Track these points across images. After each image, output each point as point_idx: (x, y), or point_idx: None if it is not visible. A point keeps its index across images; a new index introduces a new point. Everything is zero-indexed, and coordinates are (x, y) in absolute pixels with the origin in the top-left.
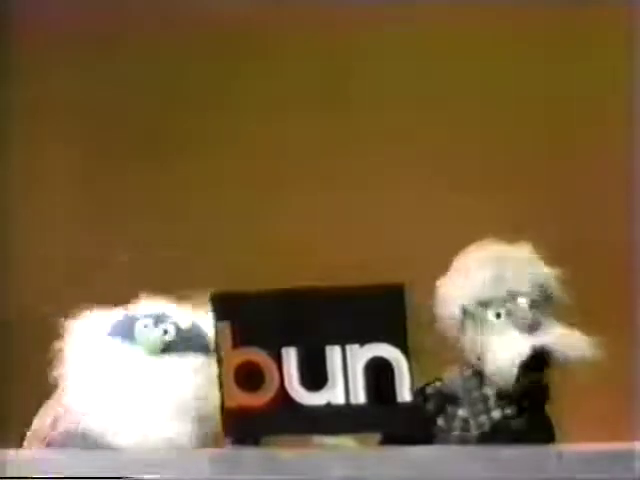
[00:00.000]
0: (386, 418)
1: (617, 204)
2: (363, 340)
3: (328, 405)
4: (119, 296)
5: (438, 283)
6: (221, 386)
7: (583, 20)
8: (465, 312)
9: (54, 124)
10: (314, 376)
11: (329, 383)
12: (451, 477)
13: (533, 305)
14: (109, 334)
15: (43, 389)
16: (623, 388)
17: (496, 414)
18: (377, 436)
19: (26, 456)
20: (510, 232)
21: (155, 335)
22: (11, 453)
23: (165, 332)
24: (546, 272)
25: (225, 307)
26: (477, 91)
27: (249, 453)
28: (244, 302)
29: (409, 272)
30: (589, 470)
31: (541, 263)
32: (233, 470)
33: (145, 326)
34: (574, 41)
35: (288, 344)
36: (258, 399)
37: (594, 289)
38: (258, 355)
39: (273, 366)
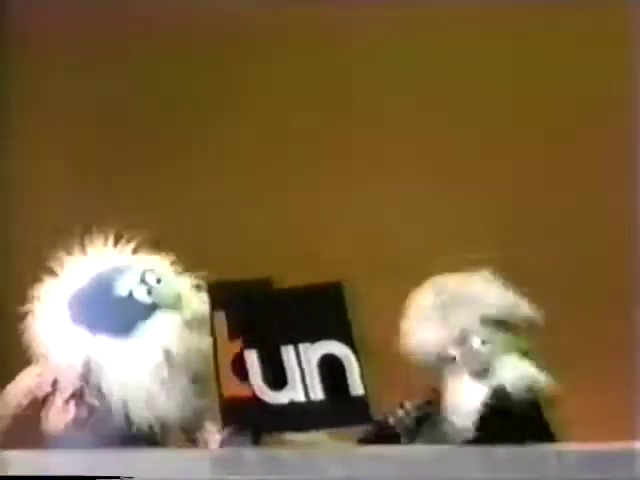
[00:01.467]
0: (343, 412)
1: (616, 207)
2: (313, 338)
3: (292, 403)
4: None
5: (404, 330)
6: (218, 376)
7: (583, 20)
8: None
9: (54, 124)
10: (275, 375)
11: (289, 382)
12: (450, 477)
13: (486, 342)
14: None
15: None
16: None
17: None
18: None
19: (26, 456)
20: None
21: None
22: (11, 453)
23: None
24: (508, 298)
25: (221, 297)
26: (477, 91)
27: (249, 453)
28: (234, 293)
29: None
30: (589, 470)
31: (502, 289)
32: (233, 470)
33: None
34: (574, 41)
35: (249, 346)
36: (249, 390)
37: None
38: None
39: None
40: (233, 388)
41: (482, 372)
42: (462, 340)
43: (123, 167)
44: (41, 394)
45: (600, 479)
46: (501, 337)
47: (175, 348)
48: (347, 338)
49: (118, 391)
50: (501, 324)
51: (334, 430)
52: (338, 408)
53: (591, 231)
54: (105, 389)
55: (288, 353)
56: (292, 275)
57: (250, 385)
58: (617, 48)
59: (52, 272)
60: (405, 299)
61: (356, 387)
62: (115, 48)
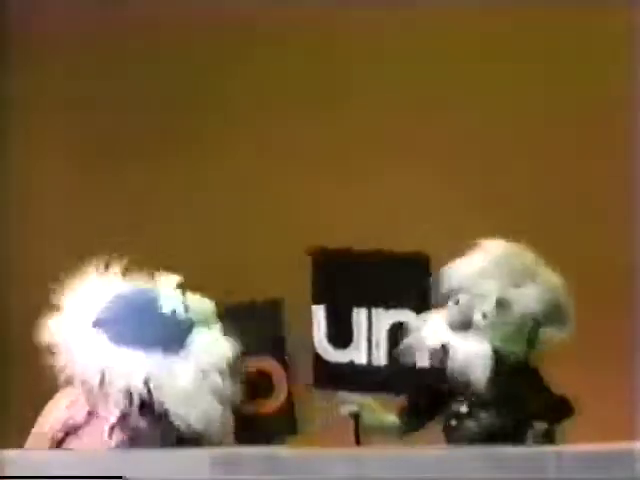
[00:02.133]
0: (404, 380)
1: (616, 208)
2: (388, 305)
3: (352, 363)
4: None
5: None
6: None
7: (583, 20)
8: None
9: (54, 125)
10: (340, 334)
11: (354, 343)
12: (451, 477)
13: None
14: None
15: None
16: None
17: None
18: (395, 398)
19: (26, 456)
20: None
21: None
22: (11, 453)
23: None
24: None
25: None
26: (477, 92)
27: (249, 453)
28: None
29: None
30: (589, 470)
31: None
32: (233, 470)
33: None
34: (574, 41)
35: (318, 302)
36: None
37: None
38: None
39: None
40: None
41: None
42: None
43: (124, 168)
44: (75, 424)
45: (600, 479)
46: None
47: (223, 360)
48: (422, 309)
49: (180, 406)
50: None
51: (385, 396)
52: (399, 376)
53: (591, 231)
54: (165, 406)
55: (359, 315)
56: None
57: (311, 339)
58: (617, 48)
59: (74, 298)
60: None
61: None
62: (115, 48)
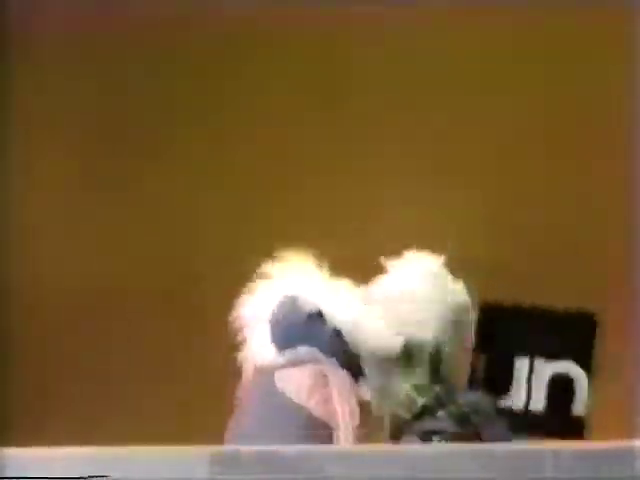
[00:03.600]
0: (559, 428)
1: (616, 212)
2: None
3: (509, 409)
4: None
5: None
6: None
7: (583, 21)
8: None
9: (54, 125)
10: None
11: (513, 391)
12: (447, 476)
13: None
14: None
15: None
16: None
17: None
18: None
19: (26, 456)
20: None
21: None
22: (11, 453)
23: None
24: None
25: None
26: (476, 92)
27: (249, 453)
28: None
29: None
30: (587, 469)
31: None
32: (234, 470)
33: None
34: (574, 42)
35: (483, 351)
36: None
37: None
38: None
39: None
40: None
41: None
42: None
43: (123, 169)
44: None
45: (599, 478)
46: None
47: None
48: (586, 363)
49: None
50: None
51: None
52: (554, 423)
53: (591, 233)
54: None
55: (522, 364)
56: None
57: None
58: (618, 48)
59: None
60: None
61: (579, 407)
62: (115, 50)
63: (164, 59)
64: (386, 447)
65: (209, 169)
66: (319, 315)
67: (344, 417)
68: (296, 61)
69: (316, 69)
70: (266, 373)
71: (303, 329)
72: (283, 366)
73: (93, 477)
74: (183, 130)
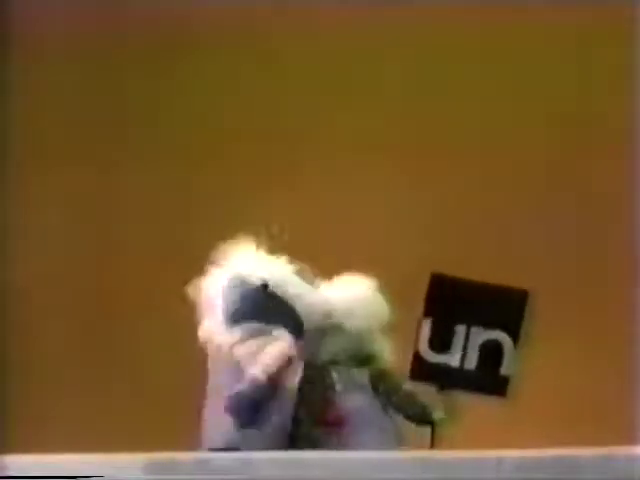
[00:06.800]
0: (486, 383)
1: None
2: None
3: (446, 365)
4: None
5: None
6: None
7: (583, 20)
8: None
9: (54, 125)
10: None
11: (451, 350)
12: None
13: None
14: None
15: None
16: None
17: None
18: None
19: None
20: None
21: None
22: (11, 454)
23: None
24: None
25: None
26: (476, 92)
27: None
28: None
29: None
30: (587, 471)
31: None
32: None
33: None
34: (574, 42)
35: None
36: None
37: None
38: None
39: None
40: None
41: None
42: None
43: (124, 167)
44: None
45: (600, 479)
46: None
47: None
48: (515, 333)
49: None
50: None
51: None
52: (483, 379)
53: (590, 234)
54: None
55: (460, 329)
56: None
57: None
58: (618, 49)
59: None
60: None
61: (506, 369)
62: (114, 50)
63: (164, 60)
64: (370, 453)
65: (200, 170)
66: (265, 287)
67: (264, 358)
68: (297, 62)
69: (316, 69)
70: (225, 350)
71: (252, 303)
72: (241, 340)
73: (90, 477)
74: (181, 131)
